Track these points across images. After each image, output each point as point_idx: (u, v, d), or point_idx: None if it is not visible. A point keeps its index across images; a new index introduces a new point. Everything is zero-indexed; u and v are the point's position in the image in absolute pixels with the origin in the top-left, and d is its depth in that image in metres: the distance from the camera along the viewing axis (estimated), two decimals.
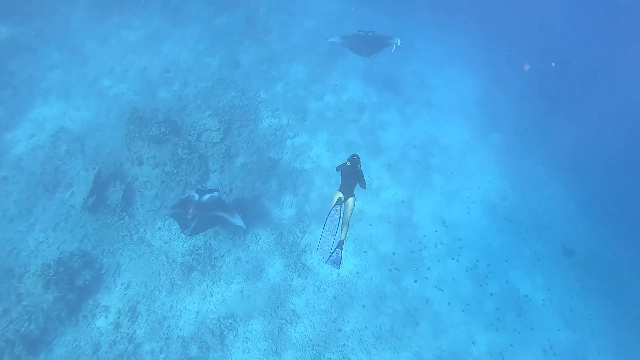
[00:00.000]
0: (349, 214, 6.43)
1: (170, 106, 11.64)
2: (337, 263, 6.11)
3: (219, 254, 9.36)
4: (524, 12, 23.94)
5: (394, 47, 11.41)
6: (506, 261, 10.79)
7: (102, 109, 11.41)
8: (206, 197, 8.29)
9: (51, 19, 13.65)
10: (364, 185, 6.61)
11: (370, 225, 10.55)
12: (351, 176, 6.46)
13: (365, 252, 10.00)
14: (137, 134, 9.95)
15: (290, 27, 15.42)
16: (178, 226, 8.41)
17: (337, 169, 6.77)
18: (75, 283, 7.94)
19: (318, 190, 10.95)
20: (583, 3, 26.00)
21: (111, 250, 8.79)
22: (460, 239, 10.94)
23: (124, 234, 9.03)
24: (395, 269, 9.86)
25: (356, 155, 6.45)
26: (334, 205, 6.03)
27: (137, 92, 11.91)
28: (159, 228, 9.52)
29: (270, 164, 11.17)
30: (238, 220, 8.23)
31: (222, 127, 10.97)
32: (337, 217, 5.97)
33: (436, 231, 10.91)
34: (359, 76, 14.57)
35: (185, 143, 10.44)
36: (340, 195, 6.45)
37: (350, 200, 6.41)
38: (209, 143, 10.85)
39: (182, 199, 8.72)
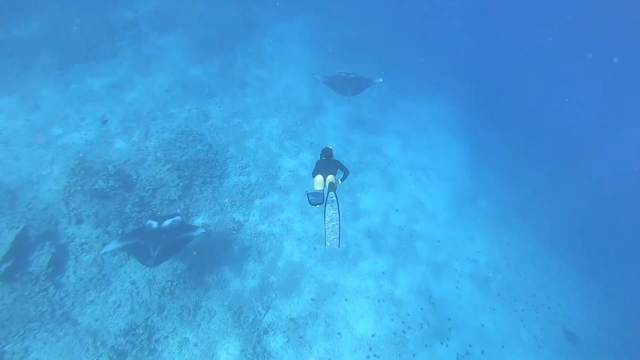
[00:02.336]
0: (333, 184, 6.02)
1: (126, 158, 11.01)
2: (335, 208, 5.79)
3: (162, 335, 8.15)
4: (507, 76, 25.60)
5: (379, 81, 12.15)
6: (503, 347, 9.87)
7: (46, 159, 10.66)
8: (167, 222, 7.90)
9: (6, 62, 13.36)
10: (346, 172, 6.40)
11: (346, 300, 9.62)
12: (329, 166, 6.26)
13: (339, 333, 8.95)
14: (79, 187, 9.13)
15: (268, 82, 15.63)
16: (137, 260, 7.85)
17: (313, 173, 6.37)
18: None
19: (287, 257, 10.11)
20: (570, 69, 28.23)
21: (21, 333, 7.45)
22: (449, 319, 10.08)
23: (43, 309, 7.78)
24: (375, 355, 8.78)
25: (328, 147, 6.56)
26: (327, 192, 5.64)
27: (91, 141, 11.30)
28: (92, 301, 8.33)
29: (234, 226, 10.41)
30: (198, 231, 8.07)
31: (181, 183, 10.32)
32: (335, 205, 5.63)
33: (422, 309, 10.05)
34: (339, 133, 14.55)
35: (137, 199, 9.67)
36: (321, 178, 6.08)
37: (331, 176, 6.09)
38: (165, 200, 10.10)
39: (137, 229, 8.12)
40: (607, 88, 27.43)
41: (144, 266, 8.84)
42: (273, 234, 10.54)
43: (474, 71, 24.44)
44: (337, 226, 5.76)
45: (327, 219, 5.77)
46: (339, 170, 6.41)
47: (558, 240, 14.57)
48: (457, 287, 10.95)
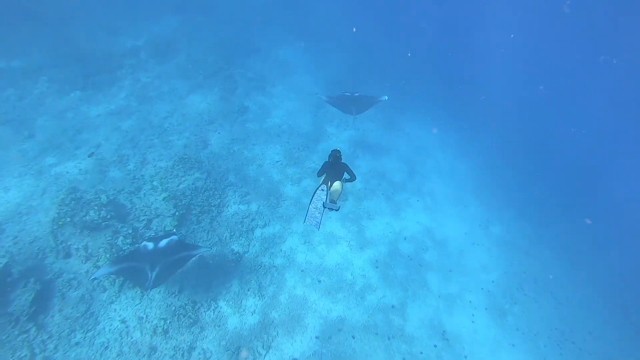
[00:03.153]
0: (335, 196, 6.06)
1: (120, 187, 10.66)
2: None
3: None
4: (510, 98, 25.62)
5: (384, 98, 12.06)
6: None
7: (38, 189, 10.33)
8: (163, 242, 7.60)
9: (4, 93, 13.32)
10: (353, 176, 6.44)
11: (353, 337, 8.97)
12: (336, 169, 6.35)
13: None
14: (69, 219, 8.72)
15: (269, 108, 15.48)
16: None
17: (319, 173, 6.59)
18: None
19: (289, 291, 9.54)
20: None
21: None
22: (465, 357, 9.37)
23: (22, 355, 7.19)
24: None
25: (337, 149, 6.57)
26: (321, 184, 5.70)
27: (85, 170, 11.01)
28: (77, 343, 7.74)
29: (233, 258, 9.90)
30: (200, 250, 7.86)
31: (177, 213, 9.91)
32: (323, 196, 5.72)
33: (435, 345, 9.37)
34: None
35: (130, 231, 9.23)
36: (326, 181, 6.21)
37: (337, 183, 6.16)
38: (160, 231, 9.65)
39: (131, 251, 7.77)
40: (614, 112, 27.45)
41: (140, 297, 8.47)
42: (274, 266, 10.02)
43: (480, 94, 24.53)
44: (320, 214, 5.72)
45: (313, 204, 5.76)
46: (345, 173, 6.46)
47: (578, 268, 13.89)
48: (473, 321, 10.27)
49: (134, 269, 7.22)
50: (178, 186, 10.92)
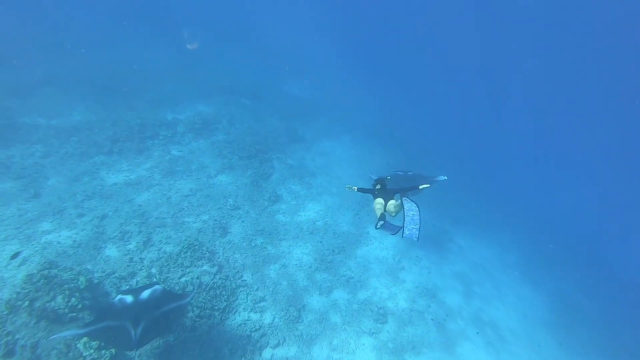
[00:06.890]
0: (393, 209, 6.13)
1: (112, 270, 9.14)
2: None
3: None
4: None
5: (442, 178, 11.15)
6: None
7: (18, 257, 9.00)
8: (145, 293, 6.57)
9: (31, 149, 13.09)
10: (412, 187, 6.60)
11: None
12: (387, 192, 6.47)
13: None
14: (27, 303, 7.09)
15: (305, 200, 14.22)
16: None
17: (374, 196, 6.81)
18: None
19: None
20: None
21: None
22: None
23: None
24: None
25: (382, 178, 6.93)
26: (379, 221, 5.72)
27: (78, 243, 9.72)
28: None
29: None
30: (187, 298, 6.87)
31: None
32: (409, 200, 5.71)
33: None
34: (385, 271, 12.25)
35: None
36: (381, 200, 6.26)
37: (392, 202, 6.15)
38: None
39: (104, 307, 6.86)
40: None
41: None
42: None
43: (546, 209, 22.79)
44: (418, 217, 5.62)
45: (406, 207, 5.71)
46: (396, 195, 6.61)
47: None
48: None
49: (112, 329, 6.02)
50: (179, 278, 9.24)
